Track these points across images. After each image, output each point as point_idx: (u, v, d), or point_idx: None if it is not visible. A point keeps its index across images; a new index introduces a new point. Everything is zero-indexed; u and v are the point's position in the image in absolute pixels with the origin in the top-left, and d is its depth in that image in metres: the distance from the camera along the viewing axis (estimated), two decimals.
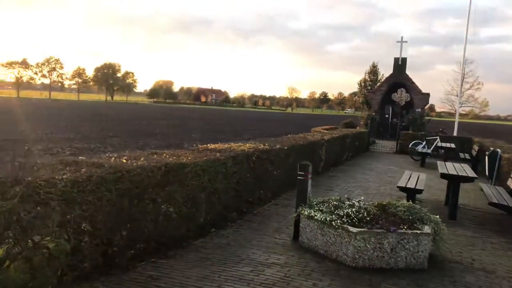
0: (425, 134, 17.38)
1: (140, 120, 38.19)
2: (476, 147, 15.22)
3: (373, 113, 26.65)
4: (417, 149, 16.52)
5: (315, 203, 5.63)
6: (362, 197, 5.92)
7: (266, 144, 8.25)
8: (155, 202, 4.83)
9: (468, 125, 52.48)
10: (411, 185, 7.78)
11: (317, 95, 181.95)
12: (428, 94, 26.87)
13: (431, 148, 17.01)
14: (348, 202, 5.49)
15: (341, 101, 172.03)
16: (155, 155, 5.52)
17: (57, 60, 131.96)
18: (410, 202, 5.54)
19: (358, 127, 24.89)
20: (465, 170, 8.39)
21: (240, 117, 58.84)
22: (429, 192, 10.22)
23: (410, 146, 17.18)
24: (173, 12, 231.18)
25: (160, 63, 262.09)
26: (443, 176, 7.83)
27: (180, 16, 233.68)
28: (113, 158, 4.83)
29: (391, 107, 28.45)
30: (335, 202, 5.45)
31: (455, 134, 21.24)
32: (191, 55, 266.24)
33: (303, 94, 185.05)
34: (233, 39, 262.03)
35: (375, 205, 5.58)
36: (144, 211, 4.67)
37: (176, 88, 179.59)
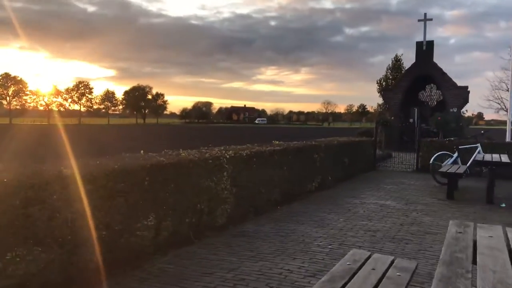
0: (457, 140, 10.70)
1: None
2: None
3: (392, 117, 19.91)
4: (443, 166, 9.89)
5: None
6: None
7: None
8: None
9: None
10: None
11: (355, 108, 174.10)
12: (466, 88, 19.85)
13: (468, 164, 10.30)
14: None
15: (381, 113, 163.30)
16: None
17: (86, 85, 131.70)
18: None
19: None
20: None
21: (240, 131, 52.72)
22: None
23: (431, 161, 10.52)
24: (214, 34, 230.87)
25: (201, 84, 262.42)
26: None
27: (221, 38, 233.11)
28: None
29: (417, 109, 21.60)
30: None
31: (508, 139, 14.14)
32: (232, 76, 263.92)
33: (341, 108, 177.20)
34: (273, 57, 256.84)
35: None
36: None
37: (215, 109, 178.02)
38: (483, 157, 8.57)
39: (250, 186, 6.56)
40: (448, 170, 8.56)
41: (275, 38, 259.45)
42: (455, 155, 10.33)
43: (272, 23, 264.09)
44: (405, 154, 15.07)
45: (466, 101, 20.02)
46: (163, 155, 5.31)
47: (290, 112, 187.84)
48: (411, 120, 21.11)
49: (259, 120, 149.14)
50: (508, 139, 13.96)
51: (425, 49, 20.06)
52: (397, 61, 33.64)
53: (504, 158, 8.49)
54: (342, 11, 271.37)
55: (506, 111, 27.81)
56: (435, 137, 16.11)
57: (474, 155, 10.46)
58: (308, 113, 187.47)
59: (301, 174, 8.39)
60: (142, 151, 5.47)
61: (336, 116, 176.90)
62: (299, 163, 8.25)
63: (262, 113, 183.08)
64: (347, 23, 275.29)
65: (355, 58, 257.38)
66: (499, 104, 26.94)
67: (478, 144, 10.57)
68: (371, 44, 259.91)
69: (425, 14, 20.14)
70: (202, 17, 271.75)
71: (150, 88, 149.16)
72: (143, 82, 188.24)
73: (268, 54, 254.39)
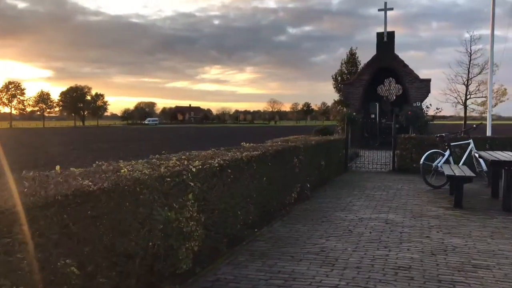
0: (448, 135, 9.40)
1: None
2: None
3: (354, 113, 18.62)
4: (438, 166, 8.52)
5: None
6: None
7: None
8: None
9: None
10: None
11: (300, 107, 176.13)
12: (429, 81, 19.01)
13: (462, 161, 9.09)
14: None
15: (325, 111, 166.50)
16: None
17: (17, 86, 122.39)
18: None
19: (335, 135, 16.91)
20: None
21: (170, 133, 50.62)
22: None
23: (422, 160, 9.09)
24: (156, 33, 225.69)
25: (144, 84, 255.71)
26: None
27: (163, 37, 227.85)
28: None
29: (377, 104, 20.55)
30: None
31: (488, 134, 13.14)
32: (176, 75, 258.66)
33: (286, 107, 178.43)
34: (217, 56, 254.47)
35: None
36: None
37: (159, 109, 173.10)
38: (497, 157, 7.17)
39: (223, 208, 4.67)
40: (455, 173, 7.09)
41: (219, 37, 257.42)
42: (447, 153, 8.99)
43: (216, 22, 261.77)
44: (372, 152, 13.75)
45: (428, 93, 19.19)
46: (91, 173, 3.30)
47: (237, 111, 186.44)
48: (372, 116, 20.03)
49: (149, 121, 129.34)
50: (488, 133, 13.01)
51: (386, 41, 18.98)
52: (352, 55, 32.75)
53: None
54: (285, 10, 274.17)
55: (463, 105, 27.77)
56: (400, 133, 14.96)
57: (467, 152, 9.23)
58: (254, 112, 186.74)
59: (280, 183, 6.59)
60: (58, 167, 3.43)
61: (282, 115, 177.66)
62: (279, 170, 6.45)
63: (208, 112, 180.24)
64: (290, 22, 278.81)
65: (298, 57, 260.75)
66: (455, 98, 26.72)
67: (471, 140, 9.34)
68: (314, 44, 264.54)
69: (385, 3, 19.08)
70: (144, 15, 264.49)
71: (89, 89, 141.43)
72: (81, 83, 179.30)
73: (212, 53, 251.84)
